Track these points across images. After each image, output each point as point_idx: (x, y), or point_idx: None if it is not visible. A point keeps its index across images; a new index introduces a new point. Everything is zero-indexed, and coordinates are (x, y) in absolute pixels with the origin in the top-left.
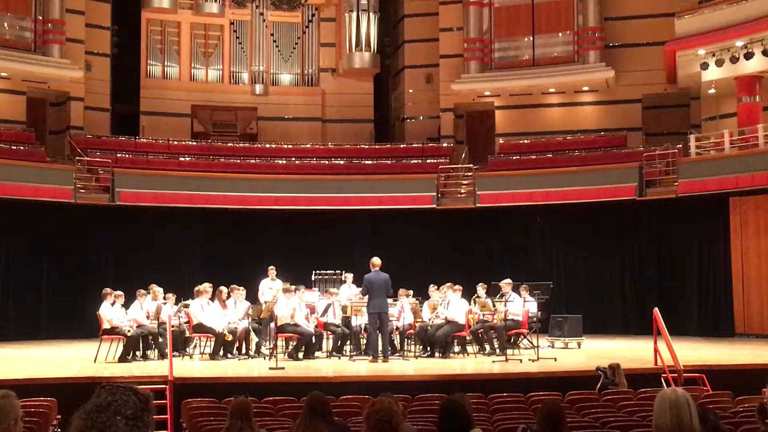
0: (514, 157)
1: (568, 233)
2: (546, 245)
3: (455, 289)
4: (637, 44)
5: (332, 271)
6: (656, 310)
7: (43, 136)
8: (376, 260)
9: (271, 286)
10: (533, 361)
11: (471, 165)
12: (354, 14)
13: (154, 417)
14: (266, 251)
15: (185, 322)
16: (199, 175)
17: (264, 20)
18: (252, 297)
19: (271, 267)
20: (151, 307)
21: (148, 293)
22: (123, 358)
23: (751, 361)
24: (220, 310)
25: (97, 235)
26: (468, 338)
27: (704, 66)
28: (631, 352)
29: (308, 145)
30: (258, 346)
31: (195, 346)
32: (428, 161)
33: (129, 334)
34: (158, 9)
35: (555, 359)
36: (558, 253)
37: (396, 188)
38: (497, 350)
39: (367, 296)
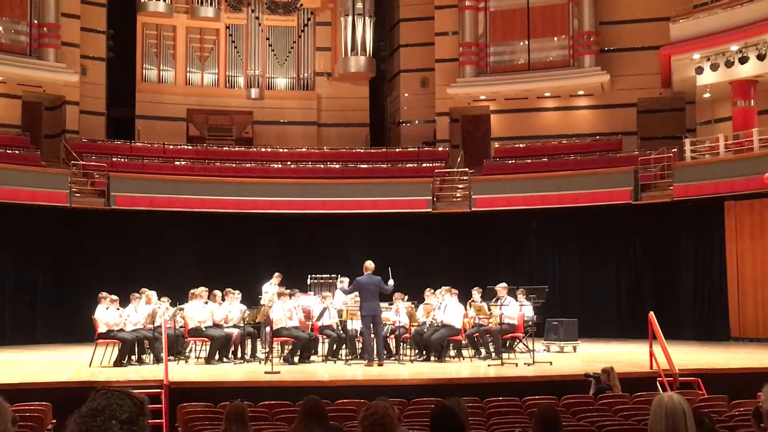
0: (510, 162)
1: (563, 237)
2: (541, 249)
3: (452, 293)
4: (633, 48)
5: (328, 275)
6: (651, 314)
7: (39, 140)
8: (370, 264)
9: (267, 290)
10: (529, 365)
11: (466, 169)
12: (349, 18)
13: (150, 421)
14: (261, 255)
15: (180, 326)
16: (194, 179)
17: (260, 24)
18: (248, 301)
19: (278, 273)
20: (145, 310)
21: (141, 296)
22: (118, 363)
23: (747, 365)
24: (217, 308)
25: (93, 239)
26: (463, 342)
27: (699, 70)
28: (626, 355)
29: (304, 149)
30: (253, 350)
31: (190, 350)
32: (424, 165)
33: (126, 333)
34: (154, 13)
35: (551, 363)
36: (553, 257)
37: (392, 192)
38: (493, 354)
39: (356, 295)
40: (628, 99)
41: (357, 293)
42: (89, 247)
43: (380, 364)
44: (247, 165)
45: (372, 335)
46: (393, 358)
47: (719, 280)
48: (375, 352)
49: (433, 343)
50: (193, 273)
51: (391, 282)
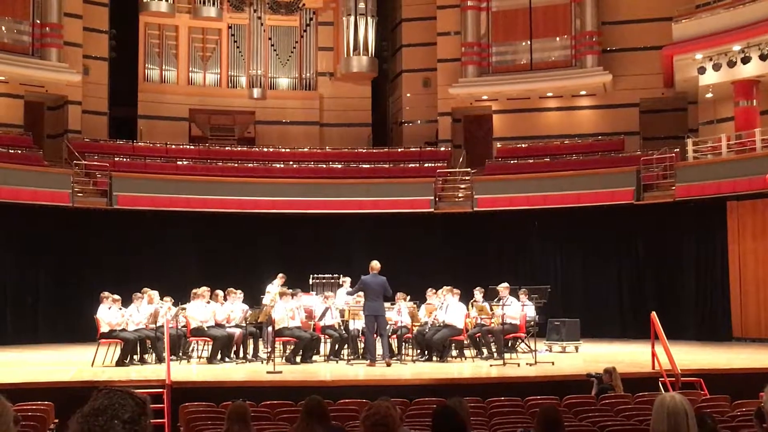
0: (512, 161)
1: (565, 237)
2: (544, 249)
3: (454, 293)
4: (635, 48)
5: (330, 275)
6: (654, 314)
7: (41, 140)
8: (375, 264)
9: (270, 290)
10: (531, 365)
11: (469, 169)
12: (352, 18)
13: (152, 421)
14: (263, 255)
15: (183, 326)
16: (196, 179)
17: (262, 24)
18: (250, 300)
19: (281, 274)
20: (147, 310)
21: (143, 296)
22: (120, 362)
23: (749, 365)
24: (219, 307)
25: (95, 238)
26: (465, 342)
27: (702, 70)
28: (628, 356)
29: (306, 149)
30: (255, 349)
31: (193, 350)
32: (426, 165)
33: (128, 332)
34: (156, 13)
35: (552, 363)
36: (556, 257)
37: (394, 192)
38: (495, 354)
39: (358, 296)
40: (630, 99)
41: (359, 293)
42: (91, 246)
43: (388, 364)
44: (249, 165)
45: (375, 335)
46: (395, 358)
47: (721, 281)
48: (381, 352)
49: (435, 343)
50: (195, 273)
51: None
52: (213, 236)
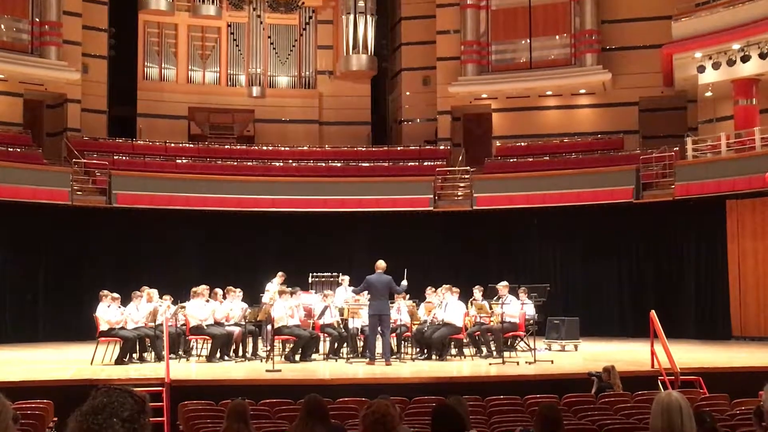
0: (511, 160)
1: (565, 236)
2: (543, 248)
3: (453, 291)
4: (634, 47)
5: (329, 274)
6: (653, 312)
7: (40, 138)
8: (381, 263)
9: (269, 288)
10: (530, 363)
11: (468, 167)
12: (351, 17)
13: (151, 419)
14: (263, 253)
15: (182, 324)
16: (196, 178)
17: (261, 22)
18: (249, 299)
19: (281, 273)
20: (146, 308)
21: (143, 295)
22: (120, 361)
23: (748, 364)
24: (218, 306)
25: (94, 237)
26: (465, 341)
27: (701, 69)
28: (628, 354)
29: (305, 148)
30: (255, 348)
31: (192, 349)
32: (425, 164)
33: (128, 331)
34: (155, 11)
35: (552, 362)
36: (555, 256)
37: (393, 191)
38: (494, 353)
39: (360, 295)
40: (629, 97)
41: (360, 292)
42: (91, 245)
43: (388, 363)
44: (249, 163)
45: (377, 335)
46: (394, 356)
47: (721, 279)
48: (381, 351)
49: (434, 342)
50: (195, 271)
51: (404, 283)
52: (212, 234)
